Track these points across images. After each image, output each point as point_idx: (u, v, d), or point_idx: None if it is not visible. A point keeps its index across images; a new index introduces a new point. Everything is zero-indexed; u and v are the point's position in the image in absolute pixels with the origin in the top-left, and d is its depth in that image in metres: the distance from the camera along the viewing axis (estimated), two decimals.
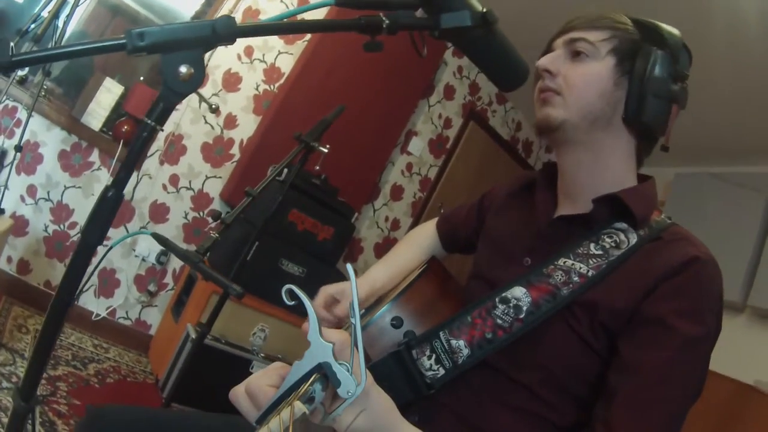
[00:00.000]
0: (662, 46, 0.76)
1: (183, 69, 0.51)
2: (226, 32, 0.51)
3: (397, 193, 3.50)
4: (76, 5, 1.75)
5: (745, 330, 2.70)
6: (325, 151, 1.44)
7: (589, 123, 0.77)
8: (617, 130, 0.79)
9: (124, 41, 0.50)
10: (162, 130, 0.54)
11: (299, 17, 0.62)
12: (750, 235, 2.72)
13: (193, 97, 2.59)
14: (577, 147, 0.80)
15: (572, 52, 0.79)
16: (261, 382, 0.52)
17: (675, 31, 0.78)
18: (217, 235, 1.12)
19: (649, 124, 0.76)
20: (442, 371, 0.73)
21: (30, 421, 0.61)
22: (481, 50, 0.66)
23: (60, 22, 1.77)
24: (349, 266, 0.50)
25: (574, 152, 0.81)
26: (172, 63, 0.52)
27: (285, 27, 0.56)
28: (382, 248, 3.48)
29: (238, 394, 0.54)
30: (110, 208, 0.52)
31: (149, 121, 0.52)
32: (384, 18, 0.57)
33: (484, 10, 0.62)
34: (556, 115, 0.78)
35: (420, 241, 1.12)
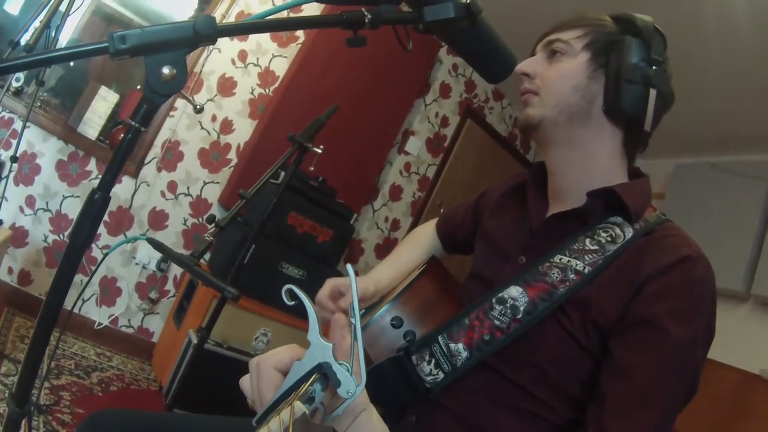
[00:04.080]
0: (635, 34, 0.77)
1: (165, 70, 0.51)
2: (207, 31, 0.51)
3: (396, 193, 3.50)
4: (67, 14, 1.76)
5: (750, 319, 2.69)
6: (319, 151, 1.44)
7: (567, 117, 0.78)
8: (599, 124, 0.79)
9: (106, 45, 0.50)
10: (146, 131, 0.53)
11: (285, 15, 0.62)
12: (752, 224, 2.71)
13: (188, 104, 2.60)
14: (561, 145, 0.81)
15: (549, 52, 0.82)
16: (270, 363, 0.52)
17: (647, 17, 0.78)
18: (211, 238, 1.11)
19: (628, 110, 0.76)
20: (441, 375, 0.73)
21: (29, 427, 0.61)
22: (466, 42, 0.66)
23: (53, 32, 1.77)
24: (349, 266, 0.50)
25: (559, 150, 0.82)
26: (154, 65, 0.52)
27: (266, 25, 0.56)
28: (383, 249, 3.48)
29: (244, 379, 0.54)
30: (97, 211, 0.52)
31: (133, 123, 0.52)
32: (366, 12, 0.57)
33: (468, 0, 0.61)
34: (534, 114, 0.80)
35: (422, 241, 1.13)
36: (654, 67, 0.75)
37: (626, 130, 0.79)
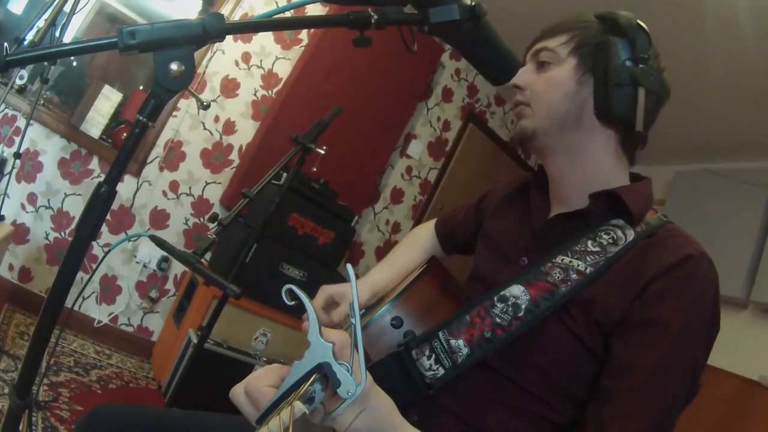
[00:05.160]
0: (619, 33, 0.76)
1: (174, 66, 0.52)
2: (216, 29, 0.52)
3: (397, 196, 3.50)
4: (72, 14, 1.77)
5: (749, 326, 2.69)
6: (322, 152, 1.44)
7: (558, 127, 0.79)
8: (591, 128, 0.79)
9: (115, 40, 0.51)
10: (152, 126, 0.54)
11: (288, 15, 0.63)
12: (752, 231, 2.72)
13: (191, 104, 2.61)
14: (557, 152, 0.81)
15: (537, 63, 0.82)
16: (260, 383, 0.52)
17: (628, 13, 0.78)
18: (213, 236, 1.12)
19: (619, 112, 0.76)
20: (441, 371, 0.73)
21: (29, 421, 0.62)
22: (470, 44, 0.67)
23: (57, 31, 1.78)
24: (349, 267, 0.50)
25: (556, 158, 0.82)
26: (163, 60, 0.52)
27: (273, 24, 0.56)
28: (384, 251, 3.48)
29: (239, 393, 0.53)
30: (102, 205, 0.53)
31: (140, 118, 0.52)
32: (372, 13, 0.58)
33: (473, 3, 0.62)
34: (527, 125, 0.81)
35: (420, 242, 1.13)
36: (641, 66, 0.75)
37: (620, 131, 0.79)
